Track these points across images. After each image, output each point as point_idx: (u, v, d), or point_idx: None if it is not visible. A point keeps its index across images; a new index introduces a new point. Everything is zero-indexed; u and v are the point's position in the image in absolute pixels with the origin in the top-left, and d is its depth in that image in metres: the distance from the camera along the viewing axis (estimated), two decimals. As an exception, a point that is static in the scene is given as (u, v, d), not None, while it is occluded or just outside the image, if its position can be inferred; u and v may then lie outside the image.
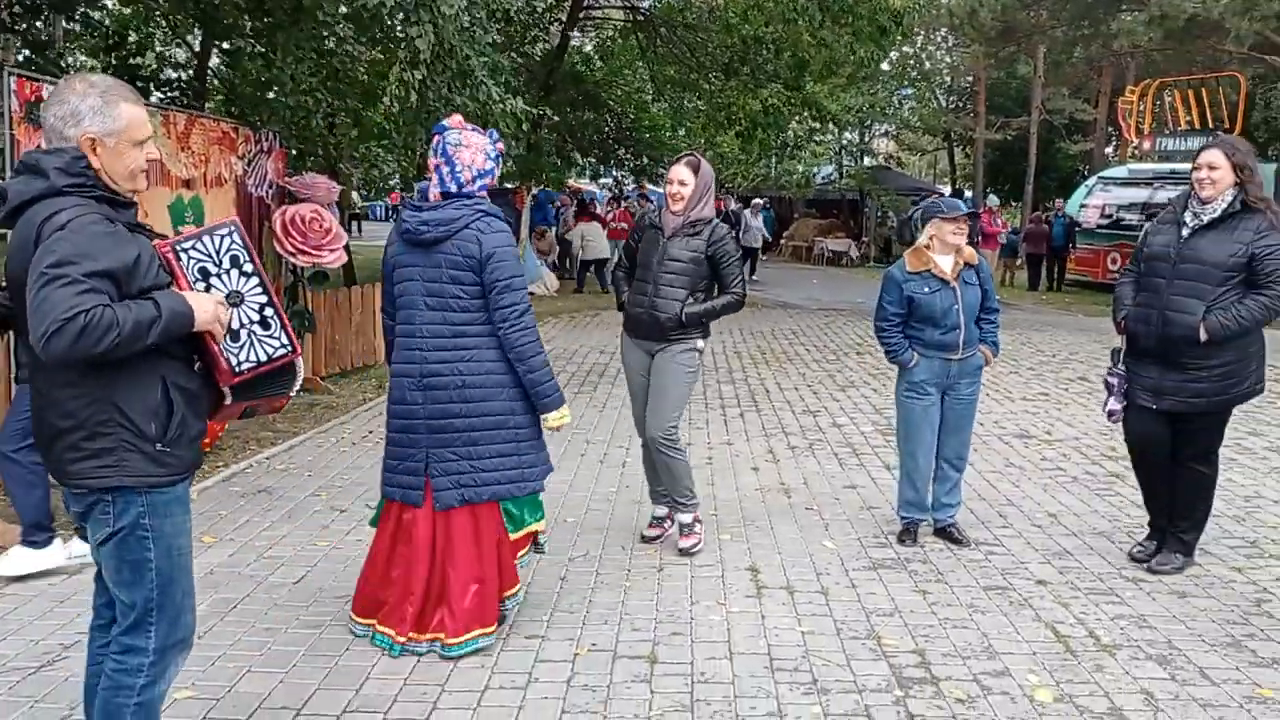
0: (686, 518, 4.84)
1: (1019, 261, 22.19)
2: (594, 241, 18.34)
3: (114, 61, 9.77)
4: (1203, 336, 4.31)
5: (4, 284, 2.51)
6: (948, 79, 36.59)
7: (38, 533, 4.30)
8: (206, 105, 10.11)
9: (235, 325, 2.55)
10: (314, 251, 7.63)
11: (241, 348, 2.56)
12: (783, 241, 31.00)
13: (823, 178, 38.27)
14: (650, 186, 25.81)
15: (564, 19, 17.94)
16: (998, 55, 25.74)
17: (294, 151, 8.89)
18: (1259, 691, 3.50)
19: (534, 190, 18.14)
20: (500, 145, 3.67)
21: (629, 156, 22.97)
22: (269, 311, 2.62)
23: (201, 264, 2.51)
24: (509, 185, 16.63)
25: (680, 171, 4.63)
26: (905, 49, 29.47)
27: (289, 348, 2.66)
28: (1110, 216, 21.35)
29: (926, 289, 4.78)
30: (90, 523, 2.48)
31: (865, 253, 29.85)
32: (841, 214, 33.47)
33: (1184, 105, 20.86)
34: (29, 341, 2.25)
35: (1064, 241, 21.42)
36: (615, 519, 5.35)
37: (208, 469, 6.00)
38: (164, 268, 2.44)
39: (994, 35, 22.16)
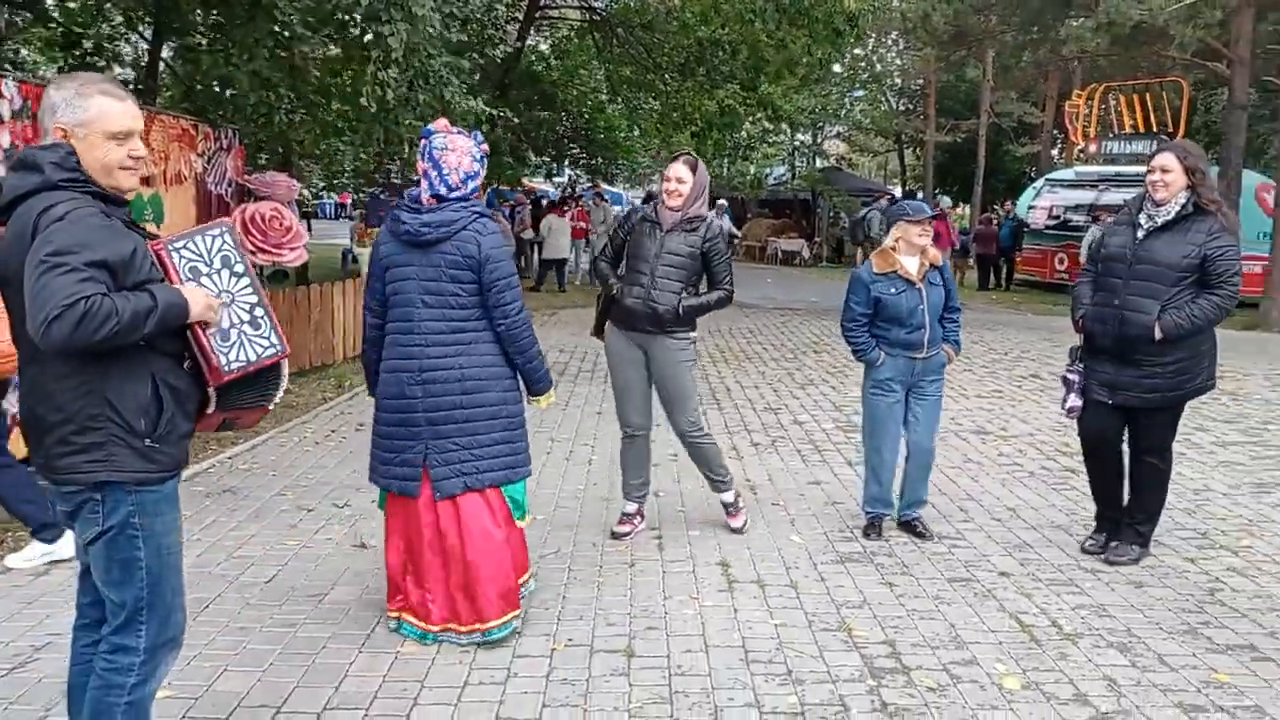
0: (729, 496, 5.15)
1: (970, 261, 22.55)
2: (556, 239, 18.27)
3: (69, 60, 9.57)
4: (1158, 335, 4.45)
5: None
6: (898, 81, 37.04)
7: (47, 530, 4.46)
8: (157, 100, 9.95)
9: (226, 325, 2.55)
10: (274, 250, 7.58)
11: (231, 347, 2.56)
12: (736, 241, 31.20)
13: (775, 178, 38.61)
14: (605, 186, 25.86)
15: (520, 18, 17.91)
16: (949, 59, 26.09)
17: (256, 148, 8.81)
18: (1215, 676, 3.63)
19: (487, 190, 18.10)
20: (485, 146, 3.73)
21: (583, 156, 23.00)
22: (259, 312, 2.63)
23: (193, 263, 2.52)
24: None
25: (678, 169, 4.79)
26: (857, 51, 29.82)
27: (278, 348, 2.67)
28: (1058, 218, 21.78)
29: (893, 290, 4.88)
30: (79, 522, 2.47)
31: (818, 253, 30.19)
32: (794, 214, 33.83)
33: (1129, 109, 21.33)
34: (26, 332, 2.24)
35: (1011, 242, 21.86)
36: (584, 516, 5.39)
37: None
38: (156, 266, 2.44)
39: (946, 39, 22.46)
